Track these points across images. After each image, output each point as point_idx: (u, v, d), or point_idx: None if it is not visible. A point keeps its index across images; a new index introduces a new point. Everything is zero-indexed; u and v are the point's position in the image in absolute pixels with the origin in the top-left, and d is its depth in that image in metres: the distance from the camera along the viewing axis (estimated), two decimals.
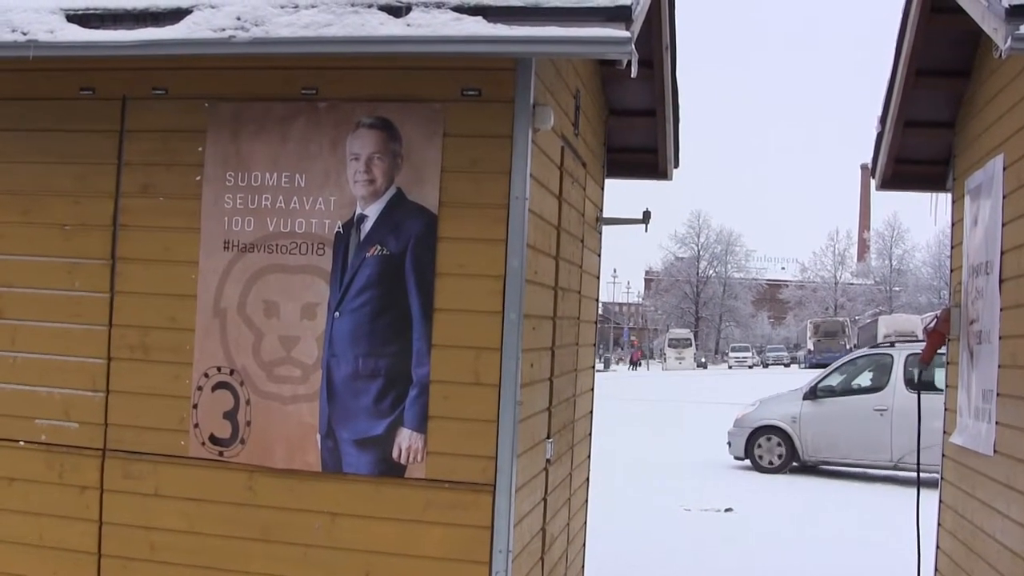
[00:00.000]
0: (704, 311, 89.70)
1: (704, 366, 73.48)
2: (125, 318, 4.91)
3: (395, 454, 4.59)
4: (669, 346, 74.75)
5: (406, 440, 4.58)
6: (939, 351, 6.60)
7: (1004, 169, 5.34)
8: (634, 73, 4.25)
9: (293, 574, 4.68)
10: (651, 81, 6.86)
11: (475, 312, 4.53)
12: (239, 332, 4.77)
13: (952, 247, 6.64)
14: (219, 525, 4.78)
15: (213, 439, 4.79)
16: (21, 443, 5.02)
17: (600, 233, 7.29)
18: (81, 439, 4.95)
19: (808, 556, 9.67)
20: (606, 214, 7.42)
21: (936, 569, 6.70)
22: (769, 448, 16.24)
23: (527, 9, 4.23)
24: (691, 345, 74.98)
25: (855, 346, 53.41)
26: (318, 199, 4.70)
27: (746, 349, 75.99)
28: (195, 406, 4.81)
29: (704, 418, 23.94)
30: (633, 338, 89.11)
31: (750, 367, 69.35)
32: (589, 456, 7.29)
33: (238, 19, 4.39)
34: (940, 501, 6.61)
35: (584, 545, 7.25)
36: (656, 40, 6.59)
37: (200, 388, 4.80)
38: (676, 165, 7.71)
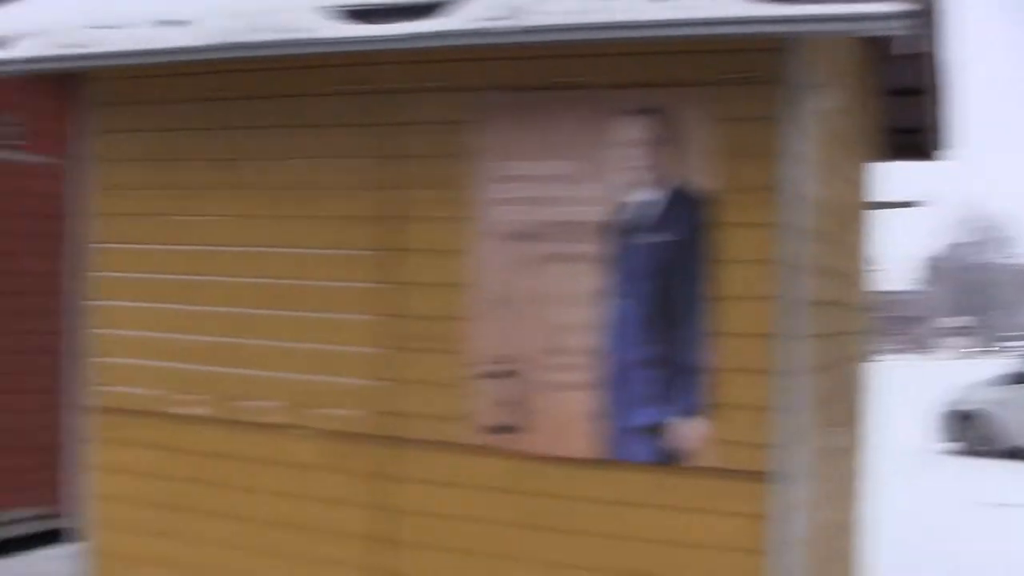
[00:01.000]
0: (981, 299, 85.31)
1: (983, 354, 70.05)
2: (402, 308, 5.09)
3: (674, 442, 4.62)
4: (944, 335, 71.69)
5: (685, 428, 4.61)
6: None
7: None
8: (903, 51, 4.15)
9: (571, 561, 4.78)
10: (922, 58, 6.67)
11: (752, 298, 4.51)
12: (515, 321, 4.88)
13: None
14: (496, 512, 4.92)
15: (490, 427, 4.93)
16: (304, 431, 5.30)
17: (872, 218, 7.15)
18: (361, 427, 5.19)
19: None
20: (879, 198, 7.27)
21: None
22: None
23: None
24: (968, 333, 71.65)
25: None
26: (589, 187, 4.75)
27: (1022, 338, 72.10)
28: (472, 394, 4.95)
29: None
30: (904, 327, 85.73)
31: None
32: (866, 445, 7.15)
33: (503, 8, 4.45)
34: None
35: (865, 535, 7.12)
36: (927, 14, 6.41)
37: (477, 376, 4.94)
38: (952, 146, 7.46)
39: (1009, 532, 10.18)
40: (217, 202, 5.50)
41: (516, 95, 4.89)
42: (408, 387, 5.09)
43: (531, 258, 4.86)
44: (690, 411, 4.60)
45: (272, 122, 5.37)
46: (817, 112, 4.62)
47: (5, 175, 7.90)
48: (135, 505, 5.72)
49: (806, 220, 4.65)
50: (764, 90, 4.49)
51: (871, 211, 7.12)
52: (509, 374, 4.90)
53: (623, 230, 4.70)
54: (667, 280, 4.63)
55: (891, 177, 7.83)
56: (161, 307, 5.64)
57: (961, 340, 70.10)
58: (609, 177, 4.72)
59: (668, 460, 4.64)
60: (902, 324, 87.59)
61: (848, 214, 5.99)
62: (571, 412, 4.79)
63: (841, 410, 5.94)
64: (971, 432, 16.23)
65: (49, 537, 8.26)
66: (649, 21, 4.27)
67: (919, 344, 76.72)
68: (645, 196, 4.67)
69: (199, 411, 5.53)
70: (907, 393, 20.26)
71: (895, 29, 4.02)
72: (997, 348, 75.00)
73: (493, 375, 4.92)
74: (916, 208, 7.25)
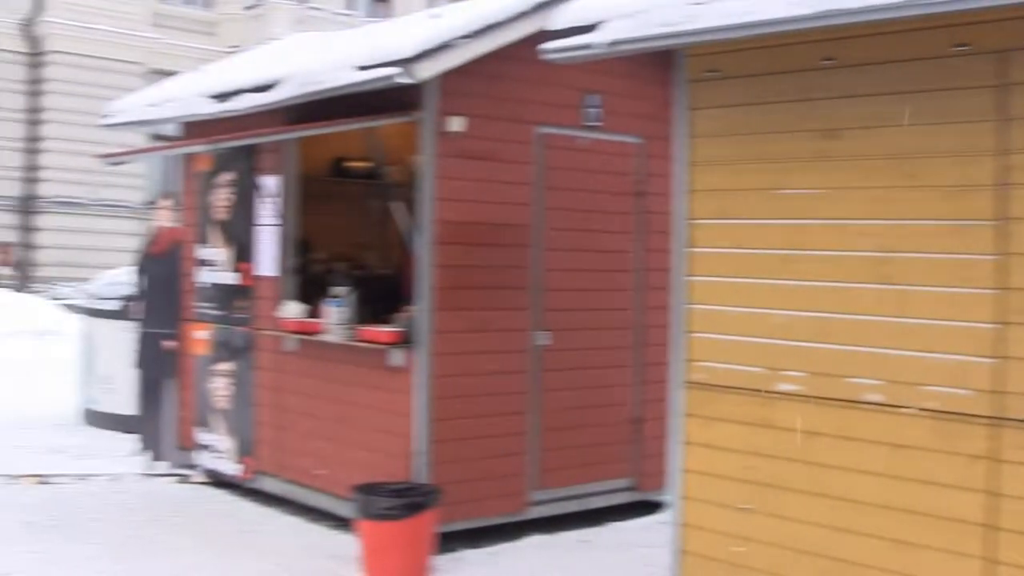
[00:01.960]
0: None
1: None
2: (1020, 281, 4.84)
3: None
4: None
5: None
6: None
7: None
8: None
9: None
10: None
11: None
12: None
13: None
14: None
15: None
16: (910, 410, 5.16)
17: None
18: (971, 407, 4.97)
19: None
20: None
21: None
22: None
23: None
24: None
25: None
26: None
27: None
28: None
29: None
30: None
31: None
32: None
33: None
34: None
35: None
36: None
37: None
38: None
39: None
40: (814, 174, 5.48)
41: None
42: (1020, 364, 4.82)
43: None
44: None
45: (875, 90, 5.26)
46: None
47: (591, 153, 8.36)
48: (724, 480, 5.85)
49: None
50: None
51: None
52: None
53: None
54: None
55: None
56: (755, 282, 5.72)
57: None
58: None
59: None
60: None
61: None
62: None
63: None
64: None
65: (639, 508, 8.71)
66: None
67: None
68: None
69: (792, 388, 5.54)
70: None
71: None
72: None
73: None
74: None
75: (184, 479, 9.75)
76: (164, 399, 10.18)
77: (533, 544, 7.93)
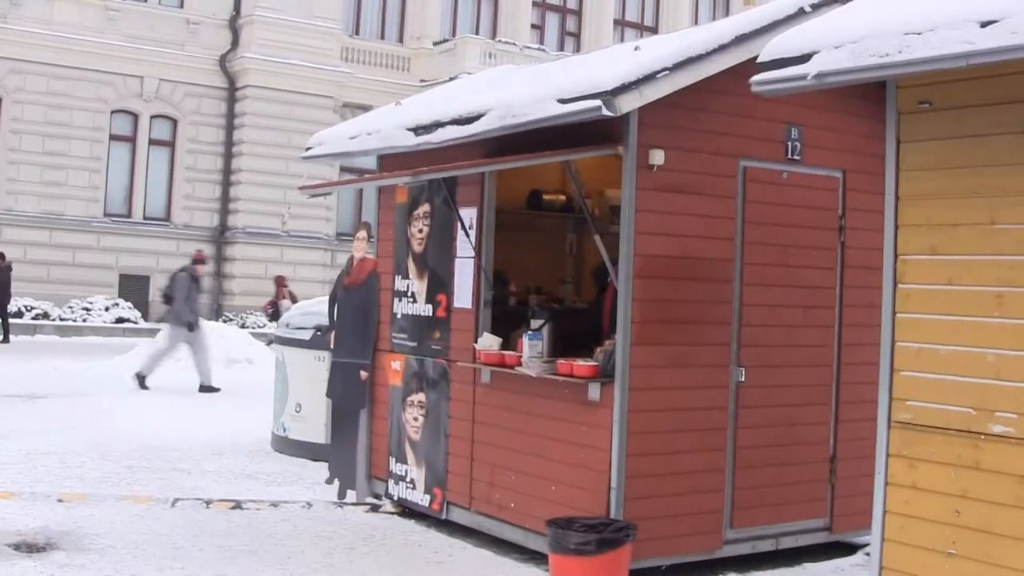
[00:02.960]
0: None
1: None
2: None
3: None
4: None
5: None
6: None
7: None
8: None
9: None
10: None
11: None
12: None
13: None
14: None
15: None
16: None
17: None
18: None
19: None
20: None
21: None
22: None
23: None
24: None
25: None
26: None
27: None
28: None
29: None
30: None
31: None
32: None
33: None
34: None
35: None
36: None
37: None
38: None
39: None
40: None
41: None
42: None
43: None
44: None
45: None
46: None
47: (792, 187, 8.37)
48: (928, 523, 5.79)
49: None
50: None
51: None
52: None
53: None
54: None
55: None
56: (967, 319, 5.67)
57: None
58: None
59: None
60: None
61: None
62: None
63: None
64: None
65: (832, 549, 8.63)
66: None
67: None
68: None
69: (1004, 430, 5.46)
70: None
71: None
72: None
73: None
74: None
75: (375, 508, 10.05)
76: (356, 428, 10.51)
77: None
